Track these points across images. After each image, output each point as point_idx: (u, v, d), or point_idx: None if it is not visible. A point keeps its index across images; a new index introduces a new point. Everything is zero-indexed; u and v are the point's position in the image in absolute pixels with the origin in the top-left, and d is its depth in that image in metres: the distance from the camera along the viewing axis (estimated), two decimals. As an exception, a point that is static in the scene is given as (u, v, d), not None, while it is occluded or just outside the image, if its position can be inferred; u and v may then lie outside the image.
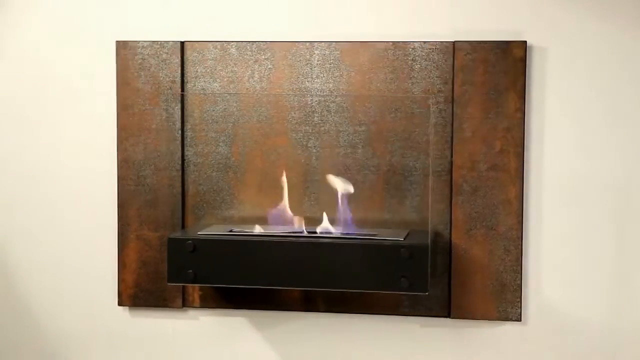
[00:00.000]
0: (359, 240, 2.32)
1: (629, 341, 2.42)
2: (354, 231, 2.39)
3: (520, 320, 2.45)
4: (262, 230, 2.40)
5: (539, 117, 2.42)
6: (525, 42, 2.40)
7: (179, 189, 2.54)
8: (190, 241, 2.35)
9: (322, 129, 2.49)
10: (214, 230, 2.43)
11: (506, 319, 2.45)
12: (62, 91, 2.60)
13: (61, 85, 2.59)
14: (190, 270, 2.36)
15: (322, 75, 2.48)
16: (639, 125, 2.39)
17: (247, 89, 2.50)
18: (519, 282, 2.44)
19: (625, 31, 2.38)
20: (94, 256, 2.60)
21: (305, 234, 2.38)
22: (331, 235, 2.36)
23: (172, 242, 2.37)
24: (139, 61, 2.53)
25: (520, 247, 2.43)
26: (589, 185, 2.41)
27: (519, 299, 2.44)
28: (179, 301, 2.57)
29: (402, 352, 2.51)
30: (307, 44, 2.49)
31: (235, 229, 2.43)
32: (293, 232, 2.38)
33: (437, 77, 2.44)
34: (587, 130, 2.41)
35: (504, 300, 2.44)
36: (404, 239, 2.32)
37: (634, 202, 2.40)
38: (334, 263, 2.32)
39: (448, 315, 2.48)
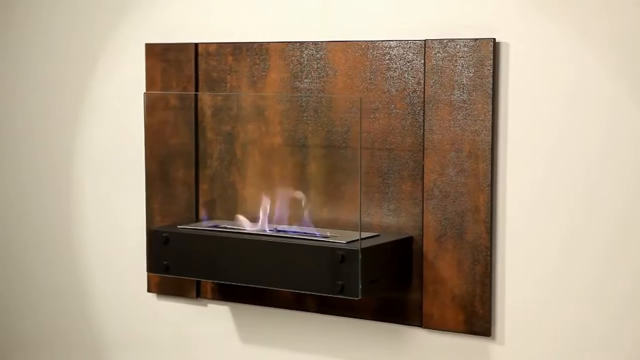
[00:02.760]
0: (301, 241, 2.32)
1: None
2: (312, 232, 2.38)
3: (490, 335, 2.30)
4: (241, 227, 2.46)
5: (507, 119, 2.26)
6: (494, 39, 2.25)
7: (193, 185, 2.66)
8: (164, 234, 2.48)
9: (310, 128, 2.50)
10: (196, 225, 2.52)
11: (475, 333, 2.31)
12: (100, 92, 2.82)
13: (98, 86, 2.82)
14: (165, 262, 2.48)
15: (310, 75, 2.49)
16: (613, 130, 2.16)
17: (248, 88, 2.57)
18: (487, 294, 2.29)
19: (598, 31, 2.16)
20: (131, 246, 2.79)
21: (260, 231, 2.41)
22: (275, 234, 2.38)
23: (150, 234, 2.51)
24: (163, 62, 2.68)
25: (489, 257, 2.28)
26: (561, 191, 2.22)
27: (488, 314, 2.30)
28: (194, 292, 2.69)
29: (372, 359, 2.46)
30: (298, 44, 2.50)
31: (223, 224, 2.50)
32: (251, 230, 2.43)
33: (411, 77, 2.36)
34: (559, 133, 2.21)
35: (473, 314, 2.31)
36: (349, 242, 2.28)
37: (607, 210, 2.17)
38: (275, 261, 2.34)
39: (421, 324, 2.38)
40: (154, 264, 2.50)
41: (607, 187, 2.17)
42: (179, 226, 2.51)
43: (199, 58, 2.63)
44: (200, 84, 2.64)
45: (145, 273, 2.76)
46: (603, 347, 2.20)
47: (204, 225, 2.51)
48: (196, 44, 2.63)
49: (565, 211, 2.22)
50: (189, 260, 2.45)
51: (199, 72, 2.64)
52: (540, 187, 2.24)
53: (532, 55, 2.23)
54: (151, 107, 2.70)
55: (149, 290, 2.77)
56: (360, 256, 2.22)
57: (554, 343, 2.25)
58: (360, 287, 2.22)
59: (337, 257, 2.24)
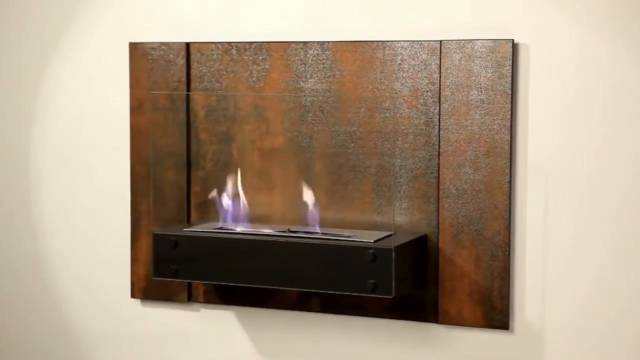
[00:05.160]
0: (329, 241, 2.31)
1: (621, 353, 2.29)
2: (331, 232, 2.37)
3: (508, 329, 2.36)
4: (246, 229, 2.43)
5: (526, 118, 2.32)
6: (512, 40, 2.31)
7: (185, 186, 2.61)
8: (172, 237, 2.42)
9: (316, 128, 2.49)
10: (202, 227, 2.48)
11: (493, 327, 2.37)
12: (86, 90, 2.73)
13: (80, 84, 2.73)
14: (173, 266, 2.42)
15: (315, 75, 2.48)
16: (633, 129, 2.25)
17: (246, 88, 2.54)
18: (506, 289, 2.35)
19: (614, 30, 2.25)
20: (113, 249, 2.71)
21: (278, 233, 2.39)
22: (302, 236, 2.36)
23: (156, 237, 2.44)
24: (149, 62, 2.61)
25: (507, 253, 2.34)
26: (579, 189, 2.30)
27: (506, 307, 2.36)
28: (185, 296, 2.63)
29: (387, 357, 2.47)
30: (301, 44, 2.49)
31: (226, 227, 2.46)
32: (268, 232, 2.40)
33: (424, 77, 2.39)
34: (577, 132, 2.29)
35: (491, 309, 2.36)
36: (375, 241, 2.29)
37: (625, 206, 2.27)
38: (303, 263, 2.32)
39: (436, 321, 2.42)
40: (160, 268, 2.44)
41: (626, 184, 2.27)
42: (185, 229, 2.46)
43: (191, 58, 2.58)
44: (193, 84, 2.59)
45: (129, 278, 2.68)
46: (622, 340, 2.30)
47: (212, 227, 2.47)
48: (187, 44, 2.58)
49: (584, 208, 2.30)
50: (200, 263, 2.40)
51: (191, 72, 2.59)
52: (559, 185, 2.31)
53: (551, 55, 2.30)
54: (139, 107, 2.63)
55: (132, 296, 2.69)
56: (394, 254, 2.23)
57: (572, 336, 2.33)
58: (394, 285, 2.24)
59: (367, 256, 2.25)
